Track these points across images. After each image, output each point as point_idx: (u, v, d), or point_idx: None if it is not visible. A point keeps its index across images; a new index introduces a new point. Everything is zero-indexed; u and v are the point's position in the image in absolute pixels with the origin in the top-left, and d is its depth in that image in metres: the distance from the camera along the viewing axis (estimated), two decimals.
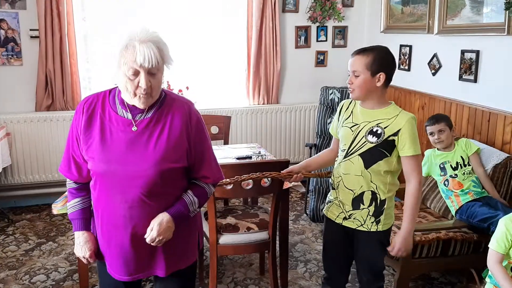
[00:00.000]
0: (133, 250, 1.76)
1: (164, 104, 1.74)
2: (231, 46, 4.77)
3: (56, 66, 4.26)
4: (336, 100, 4.50)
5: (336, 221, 2.28)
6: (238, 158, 3.24)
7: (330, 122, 4.52)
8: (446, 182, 3.12)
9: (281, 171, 2.39)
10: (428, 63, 4.01)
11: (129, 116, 1.70)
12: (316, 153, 4.42)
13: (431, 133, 3.21)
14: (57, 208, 2.65)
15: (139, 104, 1.65)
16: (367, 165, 2.15)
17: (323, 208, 3.92)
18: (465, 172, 3.09)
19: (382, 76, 2.11)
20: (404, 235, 2.14)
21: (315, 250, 3.63)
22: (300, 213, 4.34)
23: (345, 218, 2.25)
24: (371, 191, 2.17)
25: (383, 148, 2.13)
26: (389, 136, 2.11)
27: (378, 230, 2.20)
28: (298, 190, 3.33)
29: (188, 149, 1.74)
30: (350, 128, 2.21)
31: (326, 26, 4.98)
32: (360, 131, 2.17)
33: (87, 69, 4.52)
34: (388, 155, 2.14)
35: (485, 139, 3.35)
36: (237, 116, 4.68)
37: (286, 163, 2.65)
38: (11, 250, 3.61)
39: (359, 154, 2.16)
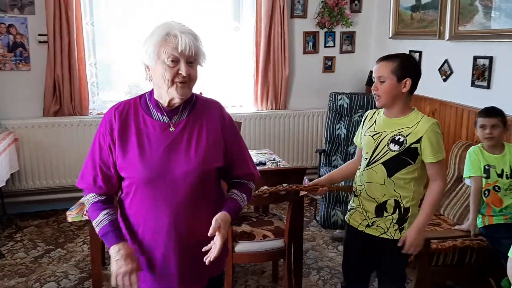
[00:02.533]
0: (178, 261, 1.70)
1: (197, 106, 1.74)
2: (240, 51, 4.76)
3: (65, 71, 4.24)
4: (345, 106, 4.48)
5: (359, 228, 2.27)
6: None
7: (339, 128, 4.50)
8: (486, 192, 2.82)
9: (308, 183, 2.35)
10: (439, 69, 4.00)
11: (165, 118, 1.68)
12: (326, 159, 4.42)
13: (483, 126, 2.83)
14: (71, 216, 2.61)
15: (176, 95, 1.62)
16: (390, 174, 2.14)
17: (334, 214, 3.97)
18: (510, 185, 2.79)
19: (408, 82, 2.11)
20: (416, 230, 2.10)
21: (327, 257, 3.60)
22: (310, 219, 4.31)
23: (368, 226, 2.23)
24: (394, 199, 2.16)
25: (406, 156, 2.12)
26: (411, 144, 2.10)
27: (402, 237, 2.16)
28: (313, 197, 3.31)
29: (225, 148, 1.74)
30: (372, 136, 2.21)
31: (334, 32, 4.97)
32: (382, 139, 2.17)
33: (95, 74, 4.49)
34: (412, 162, 2.12)
35: None
36: (246, 121, 4.67)
37: (303, 170, 2.63)
38: (20, 257, 3.57)
39: (381, 163, 2.15)
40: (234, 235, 2.72)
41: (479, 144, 2.95)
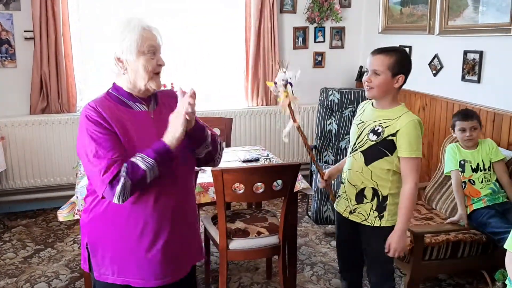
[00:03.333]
0: (165, 244, 1.77)
1: (159, 95, 1.86)
2: (230, 47, 4.73)
3: (52, 68, 4.16)
4: (336, 101, 4.47)
5: (343, 214, 2.34)
6: (244, 161, 3.19)
7: (330, 124, 4.49)
8: (463, 184, 3.02)
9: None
10: (429, 64, 4.01)
11: (144, 107, 1.78)
12: (317, 154, 4.41)
13: (462, 130, 3.02)
14: (63, 215, 2.56)
15: (154, 85, 1.73)
16: (367, 162, 2.21)
17: (326, 210, 3.97)
18: (484, 178, 2.98)
19: (401, 78, 2.16)
20: (398, 235, 2.15)
21: (320, 253, 3.60)
22: (302, 215, 4.30)
23: (350, 212, 2.30)
24: (372, 187, 2.22)
25: (383, 147, 2.17)
26: (387, 136, 2.15)
27: (382, 225, 2.23)
28: (307, 193, 3.30)
29: None
30: (357, 125, 2.29)
31: (324, 27, 4.96)
32: (364, 129, 2.23)
33: (83, 71, 4.43)
34: (389, 154, 2.16)
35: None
36: (236, 117, 4.63)
37: (297, 166, 2.62)
38: (9, 257, 3.51)
39: (361, 151, 2.22)
40: (228, 233, 2.69)
41: (455, 143, 3.16)
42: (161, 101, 1.84)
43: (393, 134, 2.12)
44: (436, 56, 3.93)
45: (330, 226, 4.01)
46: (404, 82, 2.18)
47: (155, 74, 1.72)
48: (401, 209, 2.16)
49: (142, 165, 1.62)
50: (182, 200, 1.82)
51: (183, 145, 1.73)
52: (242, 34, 4.69)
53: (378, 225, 2.23)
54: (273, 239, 2.76)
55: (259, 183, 2.61)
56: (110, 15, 4.32)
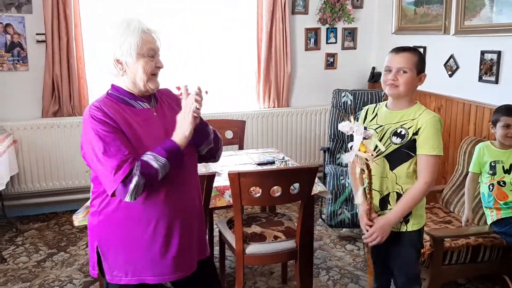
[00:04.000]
0: (179, 241, 1.81)
1: (157, 94, 1.89)
2: (241, 49, 4.70)
3: (63, 71, 4.15)
4: (349, 103, 4.43)
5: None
6: (259, 164, 3.15)
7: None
8: (491, 186, 2.83)
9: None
10: (444, 65, 3.95)
11: (146, 105, 1.80)
12: (330, 157, 4.37)
13: (507, 126, 2.79)
14: (78, 219, 2.54)
15: (153, 85, 1.77)
16: (392, 167, 2.14)
17: (341, 213, 3.92)
18: None
19: (424, 77, 2.16)
20: (386, 222, 2.11)
21: (335, 257, 3.55)
22: (315, 218, 4.25)
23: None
24: (396, 192, 2.16)
25: (408, 149, 2.13)
26: (412, 136, 2.11)
27: (408, 230, 2.18)
28: (325, 197, 3.26)
29: None
30: (375, 130, 2.20)
31: (336, 28, 4.92)
32: (385, 133, 2.16)
33: (94, 73, 4.41)
34: (413, 154, 2.12)
35: None
36: (248, 120, 4.59)
37: (315, 169, 2.57)
38: (23, 262, 3.49)
39: (384, 156, 2.14)
40: (244, 237, 2.65)
41: (488, 141, 2.96)
42: (160, 99, 1.88)
43: (415, 133, 2.09)
44: (451, 56, 3.87)
45: (344, 229, 3.96)
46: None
47: (152, 75, 1.77)
48: (403, 200, 2.10)
49: (154, 164, 1.64)
50: (190, 195, 1.86)
51: (189, 141, 1.77)
52: (254, 35, 4.66)
53: (404, 230, 2.18)
54: (290, 244, 2.71)
55: (276, 187, 2.57)
56: (121, 16, 4.29)
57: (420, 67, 2.12)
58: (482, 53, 3.51)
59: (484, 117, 3.53)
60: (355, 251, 3.63)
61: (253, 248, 2.65)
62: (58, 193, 4.30)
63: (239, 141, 3.83)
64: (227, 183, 2.55)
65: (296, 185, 2.61)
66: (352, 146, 2.03)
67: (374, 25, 5.04)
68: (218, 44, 4.59)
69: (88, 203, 2.56)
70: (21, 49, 4.11)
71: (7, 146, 3.82)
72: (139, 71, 1.72)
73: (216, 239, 3.37)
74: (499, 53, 3.37)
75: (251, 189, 2.57)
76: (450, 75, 3.90)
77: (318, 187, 2.85)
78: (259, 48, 4.66)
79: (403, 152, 2.11)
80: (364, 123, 2.27)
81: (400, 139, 2.11)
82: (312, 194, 2.76)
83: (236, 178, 2.46)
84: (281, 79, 4.73)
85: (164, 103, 1.87)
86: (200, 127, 1.80)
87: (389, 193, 2.16)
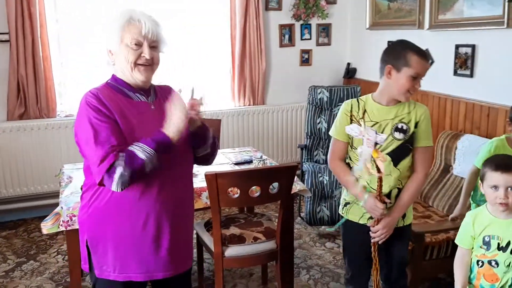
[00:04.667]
0: (170, 238, 1.79)
1: (156, 88, 1.87)
2: (215, 46, 4.59)
3: (29, 72, 3.97)
4: (325, 99, 4.38)
5: (359, 222, 2.19)
6: (237, 164, 3.07)
7: (320, 122, 4.39)
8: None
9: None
10: None
11: (143, 98, 1.77)
12: (307, 154, 4.31)
13: None
14: (47, 227, 2.40)
15: (141, 76, 1.72)
16: (395, 163, 2.10)
17: (320, 210, 3.87)
18: None
19: (388, 69, 2.11)
20: (390, 220, 2.09)
21: (315, 255, 3.50)
22: (294, 216, 4.19)
23: (371, 217, 2.14)
24: (398, 188, 2.13)
25: (409, 142, 2.10)
26: (413, 130, 2.09)
27: (405, 224, 2.20)
28: (304, 196, 3.19)
29: None
30: (371, 127, 2.08)
31: (310, 24, 4.87)
32: (384, 129, 2.09)
33: (62, 74, 4.25)
34: (412, 147, 2.12)
35: (484, 134, 3.29)
36: (224, 118, 4.51)
37: (294, 168, 2.51)
38: None
39: (387, 153, 2.08)
40: (223, 239, 2.57)
41: (503, 136, 2.65)
42: (159, 94, 1.84)
43: (415, 126, 2.08)
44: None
45: (323, 227, 3.91)
46: None
47: (139, 65, 1.71)
48: (406, 197, 2.10)
49: (141, 154, 1.61)
50: (182, 193, 1.84)
51: (186, 141, 1.78)
52: (228, 33, 4.57)
53: (402, 225, 2.18)
54: (270, 244, 2.64)
55: (255, 187, 2.49)
56: (89, 15, 4.15)
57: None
58: (457, 47, 3.51)
59: (460, 111, 3.53)
60: (335, 249, 3.59)
61: (232, 251, 2.57)
62: (26, 199, 4.12)
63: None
64: (204, 184, 2.47)
65: (276, 184, 2.54)
66: (361, 152, 1.94)
67: (348, 20, 5.01)
68: (191, 42, 4.48)
69: (57, 209, 2.45)
70: None
71: None
72: (122, 59, 1.70)
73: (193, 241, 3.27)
74: (473, 47, 3.37)
75: (229, 190, 2.49)
76: None
77: (297, 186, 2.79)
78: (233, 46, 4.57)
79: (405, 146, 2.10)
80: (351, 121, 2.11)
81: (403, 134, 2.08)
82: (292, 192, 2.70)
83: (214, 179, 2.37)
84: (256, 77, 4.66)
85: (163, 99, 1.82)
86: (201, 131, 1.82)
87: (391, 190, 2.13)
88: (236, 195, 2.48)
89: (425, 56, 2.08)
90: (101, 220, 1.75)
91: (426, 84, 3.83)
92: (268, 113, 4.74)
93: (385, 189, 2.09)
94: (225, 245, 2.57)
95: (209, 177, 2.37)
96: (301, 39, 4.87)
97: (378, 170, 1.92)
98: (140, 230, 1.74)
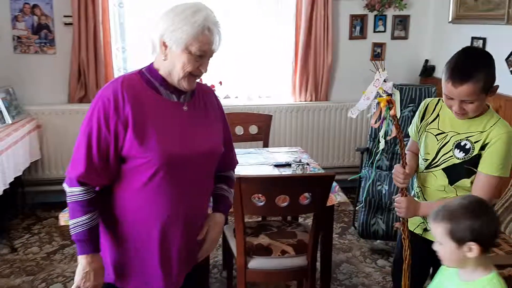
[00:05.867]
0: (186, 248, 1.68)
1: (196, 89, 1.69)
2: (277, 36, 4.32)
3: (90, 56, 3.99)
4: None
5: (415, 231, 2.04)
6: (276, 166, 2.82)
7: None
8: None
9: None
10: (506, 59, 3.41)
11: (175, 97, 1.61)
12: (369, 159, 3.94)
13: None
14: (64, 218, 2.35)
15: (186, 85, 1.58)
16: (452, 182, 1.89)
17: (375, 223, 3.50)
18: None
19: (496, 88, 1.79)
20: (412, 202, 1.92)
21: (362, 273, 3.16)
22: (348, 225, 3.86)
23: (425, 230, 2.00)
24: None
25: (471, 165, 1.83)
26: (479, 151, 1.82)
27: None
28: (345, 209, 2.88)
29: (222, 135, 1.76)
30: (436, 136, 1.92)
31: (386, 15, 4.43)
32: (447, 142, 1.88)
33: (122, 59, 4.23)
34: (477, 170, 1.84)
35: None
36: (280, 114, 4.26)
37: (330, 178, 2.21)
38: (33, 252, 3.38)
39: (442, 169, 1.89)
40: (248, 249, 2.34)
41: None
42: (198, 94, 1.70)
43: (483, 148, 1.81)
44: None
45: (378, 241, 3.54)
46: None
47: (191, 75, 1.56)
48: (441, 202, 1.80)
49: (73, 216, 1.56)
50: (197, 203, 1.69)
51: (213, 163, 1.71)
52: (293, 22, 4.28)
53: None
54: (300, 260, 2.37)
55: (284, 195, 2.23)
56: (153, 1, 4.07)
57: (488, 87, 1.73)
58: None
59: None
60: (387, 268, 3.21)
61: (256, 263, 2.34)
62: None
63: (264, 137, 3.50)
64: None
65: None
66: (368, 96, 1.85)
67: (429, 12, 4.50)
68: (251, 30, 4.25)
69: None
70: (48, 32, 3.98)
71: (28, 131, 3.73)
72: (178, 64, 1.53)
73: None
74: None
75: (256, 195, 2.25)
76: None
77: (337, 197, 2.48)
78: (297, 36, 4.28)
79: (464, 168, 1.84)
80: (420, 121, 2.01)
81: (464, 154, 1.84)
82: (330, 204, 2.40)
83: (237, 183, 2.14)
84: (321, 70, 4.33)
85: (201, 99, 1.70)
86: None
87: None
88: (262, 203, 2.23)
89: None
90: (104, 224, 1.66)
91: None
92: (331, 110, 4.40)
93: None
94: (249, 255, 2.34)
95: None
96: (374, 31, 4.45)
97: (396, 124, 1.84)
98: (144, 239, 1.62)
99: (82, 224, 1.55)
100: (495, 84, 1.78)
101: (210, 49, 1.55)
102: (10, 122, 3.64)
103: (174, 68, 1.54)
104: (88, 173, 1.52)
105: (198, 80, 1.65)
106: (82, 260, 1.57)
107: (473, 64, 1.73)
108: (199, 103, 1.67)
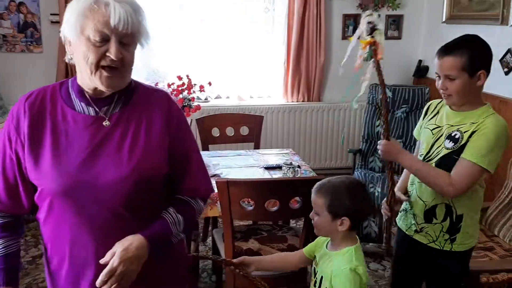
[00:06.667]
0: None
1: (135, 95, 1.36)
2: (269, 36, 4.29)
3: None
4: (387, 100, 3.93)
5: (407, 232, 2.02)
6: (267, 168, 2.76)
7: (379, 125, 3.96)
8: None
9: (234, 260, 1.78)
10: (500, 60, 3.39)
11: (91, 111, 1.30)
12: (362, 160, 3.89)
13: None
14: None
15: (100, 84, 1.25)
16: None
17: (367, 226, 3.45)
18: None
19: (482, 74, 1.77)
20: (396, 150, 1.87)
21: None
22: None
23: (416, 231, 1.98)
24: (446, 204, 1.88)
25: (459, 155, 1.79)
26: (466, 141, 1.78)
27: (453, 250, 1.91)
28: None
29: (168, 153, 1.35)
30: (432, 130, 1.93)
31: (379, 15, 4.37)
32: (441, 135, 1.88)
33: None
34: None
35: None
36: (272, 114, 4.22)
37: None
38: None
39: (435, 162, 1.87)
40: (237, 254, 2.28)
41: None
42: (133, 106, 1.34)
43: (470, 136, 1.78)
44: (509, 51, 3.30)
45: (370, 244, 3.49)
46: (487, 75, 1.80)
47: (107, 68, 1.24)
48: (421, 163, 1.87)
49: None
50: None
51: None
52: (285, 22, 4.23)
53: (449, 249, 1.90)
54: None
55: (273, 200, 2.17)
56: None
57: (473, 66, 1.74)
58: None
59: None
60: (380, 272, 3.17)
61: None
62: None
63: (255, 139, 3.43)
64: None
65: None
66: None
67: (423, 12, 4.46)
68: (244, 29, 4.20)
69: None
70: (34, 30, 3.92)
71: None
72: (80, 56, 1.24)
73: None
74: None
75: (245, 199, 2.19)
76: (507, 73, 3.35)
77: None
78: (290, 36, 4.23)
79: (453, 159, 1.81)
80: (423, 120, 2.03)
81: (453, 143, 1.82)
82: None
83: (225, 187, 2.08)
84: (313, 71, 4.29)
85: (136, 109, 1.34)
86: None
87: (436, 204, 1.89)
88: (251, 208, 2.17)
89: None
90: None
91: (507, 90, 3.29)
92: (323, 111, 4.36)
93: (429, 202, 1.90)
94: None
95: (219, 185, 2.09)
96: None
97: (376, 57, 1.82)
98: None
99: None
100: (485, 75, 1.78)
101: (110, 27, 1.21)
102: None
103: (79, 63, 1.27)
104: None
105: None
106: None
107: (460, 41, 1.79)
108: (129, 117, 1.33)
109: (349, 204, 1.54)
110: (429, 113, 2.01)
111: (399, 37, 4.49)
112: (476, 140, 1.75)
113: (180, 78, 2.72)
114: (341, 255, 1.57)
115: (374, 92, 3.98)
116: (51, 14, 3.88)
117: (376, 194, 3.46)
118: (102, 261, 1.21)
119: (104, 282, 1.19)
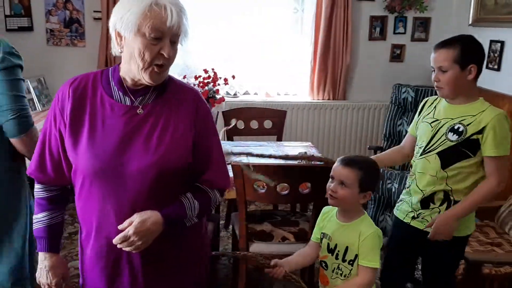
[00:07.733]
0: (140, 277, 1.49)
1: (168, 89, 1.47)
2: (297, 35, 4.44)
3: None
4: (410, 99, 4.03)
5: (404, 220, 2.14)
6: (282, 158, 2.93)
7: (401, 124, 4.06)
8: None
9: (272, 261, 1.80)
10: None
11: (127, 100, 1.42)
12: None
13: None
14: None
15: (148, 79, 1.37)
16: (444, 165, 1.98)
17: (383, 220, 3.56)
18: None
19: (473, 68, 1.92)
20: (450, 216, 1.95)
21: None
22: None
23: (413, 218, 2.10)
24: (444, 191, 2.01)
25: (465, 147, 1.94)
26: (472, 135, 1.93)
27: (459, 234, 2.02)
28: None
29: (192, 146, 1.46)
30: (430, 123, 2.05)
31: (406, 17, 4.47)
32: (440, 127, 2.00)
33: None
34: (472, 155, 1.95)
35: None
36: (298, 111, 4.36)
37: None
38: None
39: (437, 153, 1.99)
40: (251, 234, 2.46)
41: None
42: (165, 99, 1.45)
43: (479, 132, 1.91)
44: None
45: (385, 238, 3.59)
46: (479, 71, 1.95)
47: (158, 66, 1.36)
48: (470, 197, 1.95)
49: (35, 212, 1.54)
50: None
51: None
52: (312, 22, 4.37)
53: (455, 234, 2.00)
54: (299, 247, 2.46)
55: (284, 184, 2.35)
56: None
57: (464, 60, 1.89)
58: None
59: None
60: None
61: (256, 247, 2.47)
62: None
63: (277, 132, 3.61)
64: None
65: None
66: None
67: (451, 15, 4.51)
68: (273, 28, 4.37)
69: None
70: (79, 26, 4.21)
71: None
72: (135, 52, 1.34)
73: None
74: None
75: (258, 183, 2.37)
76: None
77: None
78: (317, 36, 4.37)
79: (459, 150, 1.95)
80: (419, 116, 2.16)
81: (457, 136, 1.94)
82: None
83: (240, 170, 2.27)
84: (339, 70, 4.41)
85: (167, 104, 1.45)
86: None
87: (434, 192, 2.02)
88: (263, 190, 2.35)
89: None
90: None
91: None
92: (348, 109, 4.48)
93: (427, 190, 2.02)
94: (251, 240, 2.47)
95: (235, 168, 2.27)
96: (394, 33, 4.50)
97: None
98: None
99: (40, 221, 1.52)
100: (476, 69, 1.91)
101: (166, 28, 1.32)
102: (40, 109, 3.87)
103: (131, 58, 1.36)
104: (38, 171, 1.49)
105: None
106: (40, 256, 1.55)
107: (455, 36, 1.97)
108: (161, 109, 1.44)
109: (376, 180, 1.74)
110: (425, 108, 2.13)
111: (425, 39, 4.55)
112: (487, 137, 1.90)
113: (206, 71, 2.92)
114: (360, 222, 1.74)
115: (397, 91, 4.08)
116: (94, 11, 4.16)
117: (393, 190, 3.57)
118: (120, 226, 1.36)
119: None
